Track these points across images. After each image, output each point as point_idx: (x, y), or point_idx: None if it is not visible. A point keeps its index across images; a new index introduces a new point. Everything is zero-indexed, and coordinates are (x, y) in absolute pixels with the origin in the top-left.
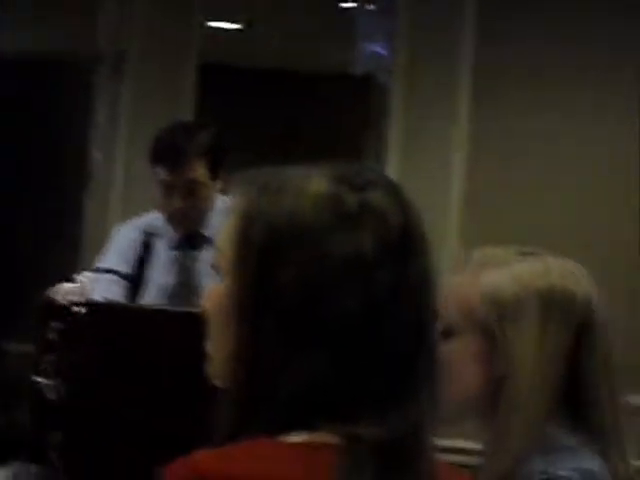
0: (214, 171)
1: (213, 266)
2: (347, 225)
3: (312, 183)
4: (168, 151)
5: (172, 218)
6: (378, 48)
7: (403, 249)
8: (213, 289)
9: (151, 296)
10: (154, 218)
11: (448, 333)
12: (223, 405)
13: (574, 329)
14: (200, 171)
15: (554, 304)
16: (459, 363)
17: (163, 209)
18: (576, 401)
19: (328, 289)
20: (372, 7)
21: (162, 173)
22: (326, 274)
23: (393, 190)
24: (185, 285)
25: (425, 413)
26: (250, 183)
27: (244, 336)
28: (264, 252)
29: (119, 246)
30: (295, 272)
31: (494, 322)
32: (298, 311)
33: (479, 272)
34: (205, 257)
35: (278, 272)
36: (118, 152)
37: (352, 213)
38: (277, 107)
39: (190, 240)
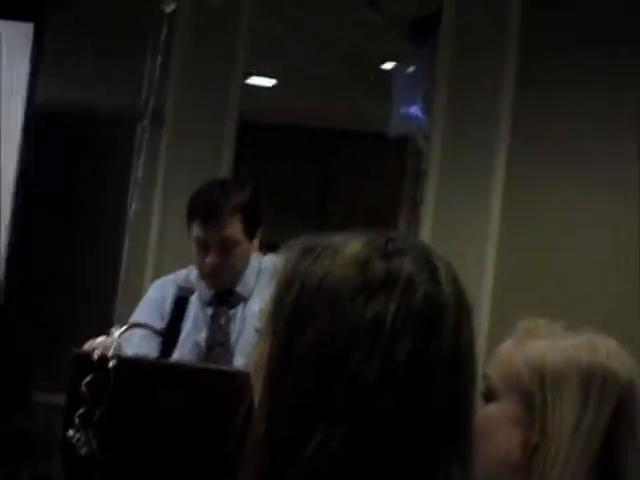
0: (250, 230)
1: (256, 329)
2: (370, 292)
3: (347, 248)
4: (204, 208)
5: (206, 275)
6: (414, 111)
7: (428, 319)
8: (255, 350)
9: (184, 352)
10: (189, 273)
11: (489, 396)
12: (244, 468)
13: (614, 405)
14: (235, 229)
15: (596, 379)
16: (497, 427)
17: (198, 265)
18: (610, 475)
19: (343, 356)
20: (411, 69)
21: (197, 230)
22: (340, 340)
23: (425, 259)
24: (217, 343)
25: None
26: (296, 247)
27: (264, 400)
28: (292, 315)
29: (154, 301)
30: (313, 337)
31: (536, 390)
32: (313, 379)
33: (526, 341)
34: (239, 315)
35: (300, 336)
36: (155, 206)
37: (377, 280)
38: (313, 164)
39: (224, 297)
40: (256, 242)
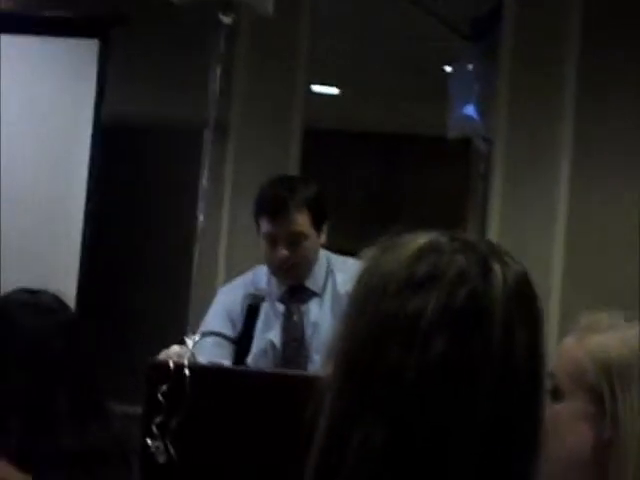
0: (317, 223)
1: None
2: (415, 286)
3: (409, 244)
4: (271, 203)
5: (278, 270)
6: (470, 111)
7: (470, 318)
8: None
9: (258, 354)
10: (258, 275)
11: (556, 395)
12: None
13: None
14: (303, 222)
15: None
16: (566, 425)
17: (268, 261)
18: None
19: (384, 349)
20: (470, 67)
21: (265, 225)
22: (382, 333)
23: (482, 258)
24: (293, 340)
25: None
26: (376, 245)
27: (328, 388)
28: (352, 305)
29: (224, 308)
30: (361, 327)
31: (603, 385)
32: (353, 369)
33: (588, 336)
34: (313, 311)
35: (353, 325)
36: (224, 216)
37: (423, 275)
38: (378, 169)
39: (295, 293)
40: (323, 236)
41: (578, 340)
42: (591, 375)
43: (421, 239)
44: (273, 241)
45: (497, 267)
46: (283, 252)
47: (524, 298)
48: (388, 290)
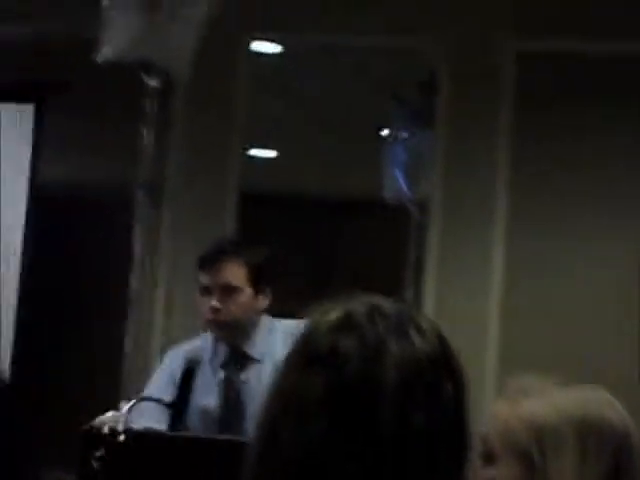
0: (257, 285)
1: None
2: (309, 364)
3: (322, 318)
4: (210, 256)
5: (208, 321)
6: (401, 178)
7: (356, 396)
8: None
9: (195, 421)
10: (203, 341)
11: (489, 459)
12: None
13: (612, 456)
14: (236, 275)
15: (591, 432)
16: None
17: (202, 314)
18: None
19: (278, 426)
20: (405, 134)
21: (201, 277)
22: (277, 410)
23: (377, 336)
24: (230, 406)
25: None
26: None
27: None
28: (275, 376)
29: (167, 372)
30: (266, 401)
31: (534, 449)
32: (261, 442)
33: (519, 400)
34: (252, 378)
35: (267, 397)
36: (160, 280)
37: (317, 353)
38: (315, 233)
39: (235, 360)
40: (263, 300)
41: (509, 405)
42: (522, 440)
43: (335, 313)
44: (207, 292)
45: (394, 346)
46: (213, 302)
47: (423, 378)
48: (293, 364)
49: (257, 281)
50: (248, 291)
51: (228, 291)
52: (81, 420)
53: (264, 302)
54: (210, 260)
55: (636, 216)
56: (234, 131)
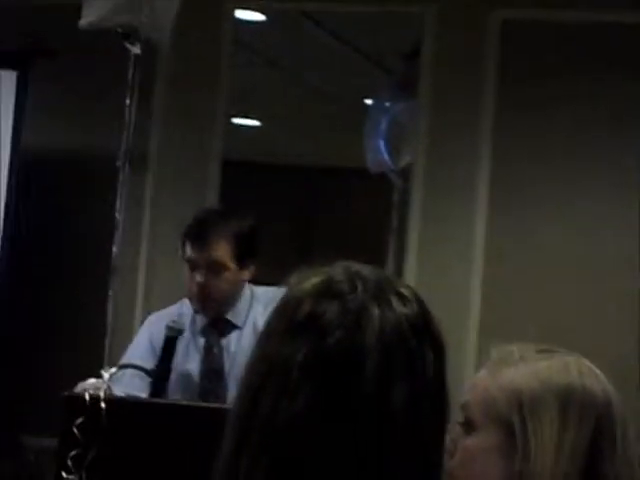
0: (241, 258)
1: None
2: (292, 333)
3: (302, 286)
4: (196, 229)
5: (194, 297)
6: (382, 147)
7: (339, 365)
8: None
9: (176, 386)
10: (182, 307)
11: (469, 427)
12: None
13: (593, 425)
14: (224, 252)
15: (573, 401)
16: (478, 458)
17: (187, 288)
18: None
19: (259, 395)
20: (388, 104)
21: (188, 250)
22: (258, 380)
23: (360, 304)
24: (212, 372)
25: None
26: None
27: None
28: (256, 342)
29: (148, 338)
30: (246, 369)
31: (514, 417)
32: (242, 411)
33: (500, 369)
34: (233, 344)
35: (247, 364)
36: (142, 248)
37: (299, 322)
38: (298, 201)
39: (217, 326)
40: (248, 273)
41: (490, 373)
42: (503, 408)
43: (315, 279)
44: (192, 267)
45: (376, 312)
46: (199, 279)
47: (405, 344)
48: (274, 332)
49: (243, 256)
50: (234, 268)
51: (215, 268)
52: (63, 387)
53: (249, 274)
54: (197, 233)
55: (620, 180)
56: (218, 99)
